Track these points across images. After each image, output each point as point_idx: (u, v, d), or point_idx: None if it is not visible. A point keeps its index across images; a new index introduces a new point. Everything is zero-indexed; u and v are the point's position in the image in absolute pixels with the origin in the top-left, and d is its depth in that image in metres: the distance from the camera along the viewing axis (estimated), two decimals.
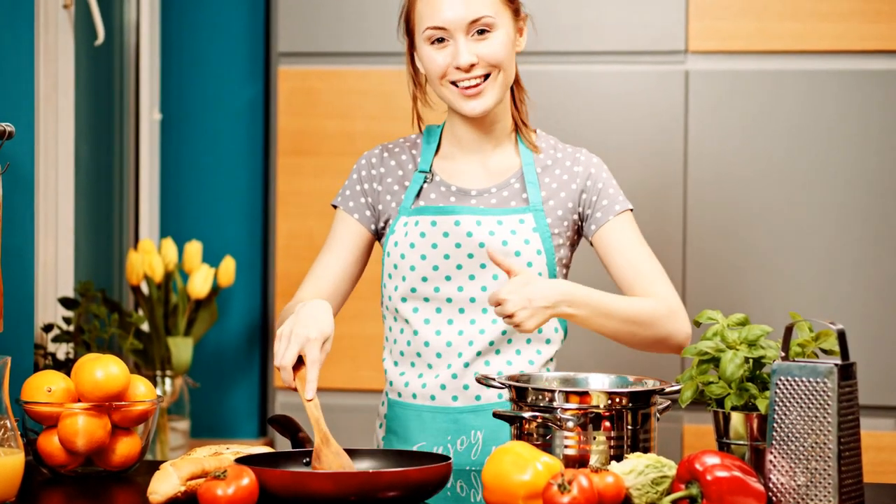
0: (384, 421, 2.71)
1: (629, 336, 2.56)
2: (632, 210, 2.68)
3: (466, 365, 2.61)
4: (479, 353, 2.62)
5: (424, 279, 2.62)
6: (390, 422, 2.68)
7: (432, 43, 2.61)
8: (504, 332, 2.61)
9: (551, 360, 2.67)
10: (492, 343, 2.61)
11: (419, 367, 2.65)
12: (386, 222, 2.70)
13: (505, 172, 2.68)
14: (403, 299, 2.65)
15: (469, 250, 2.61)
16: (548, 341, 2.65)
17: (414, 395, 2.65)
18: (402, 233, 2.64)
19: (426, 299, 2.63)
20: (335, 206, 2.74)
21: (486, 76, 2.59)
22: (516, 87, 2.72)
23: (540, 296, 2.43)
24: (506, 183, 2.66)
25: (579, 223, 2.68)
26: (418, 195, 2.67)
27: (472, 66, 2.58)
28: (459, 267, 2.61)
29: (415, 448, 2.63)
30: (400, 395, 2.66)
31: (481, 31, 2.58)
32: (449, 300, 2.62)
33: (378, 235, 2.73)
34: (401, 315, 2.65)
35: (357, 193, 2.72)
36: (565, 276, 2.68)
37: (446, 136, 2.73)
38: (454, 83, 2.60)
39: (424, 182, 2.68)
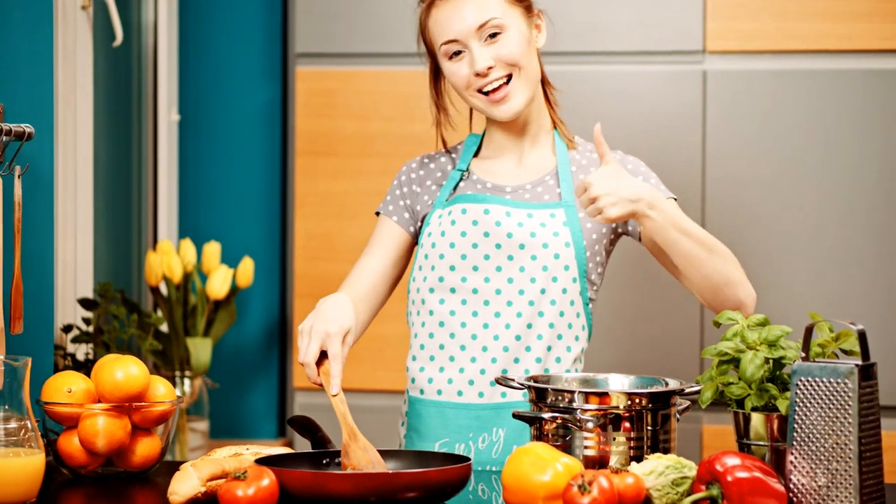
0: (406, 419, 2.71)
1: (699, 263, 2.51)
2: (676, 200, 2.66)
3: (494, 360, 2.61)
4: (506, 349, 2.61)
5: (452, 268, 2.63)
6: (412, 419, 2.69)
7: (450, 58, 2.65)
8: (530, 326, 2.61)
9: (578, 360, 2.66)
10: (518, 337, 2.61)
11: (440, 360, 2.65)
12: (422, 221, 2.71)
13: (540, 170, 2.70)
14: (431, 290, 2.66)
15: (497, 240, 2.61)
16: (576, 338, 2.64)
17: (439, 392, 2.65)
18: (435, 224, 2.67)
19: (452, 290, 2.64)
20: (378, 214, 2.76)
21: (509, 78, 2.61)
22: (546, 85, 2.74)
23: (627, 188, 2.42)
24: (541, 180, 2.68)
25: (618, 226, 2.68)
26: (454, 191, 2.69)
27: (490, 68, 2.61)
28: (487, 257, 2.62)
29: (437, 445, 2.63)
30: (423, 391, 2.67)
31: (493, 35, 2.61)
32: (475, 291, 2.63)
33: (417, 237, 2.74)
34: (426, 307, 2.66)
35: (396, 198, 2.76)
36: (601, 275, 2.68)
37: (486, 141, 2.77)
38: (481, 91, 2.62)
39: (461, 180, 2.70)
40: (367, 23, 4.00)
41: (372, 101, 4.00)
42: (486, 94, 2.63)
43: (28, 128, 2.56)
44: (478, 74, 2.61)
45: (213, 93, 4.28)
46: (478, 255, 2.63)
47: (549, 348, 2.62)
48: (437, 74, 2.74)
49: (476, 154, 2.76)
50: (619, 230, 2.69)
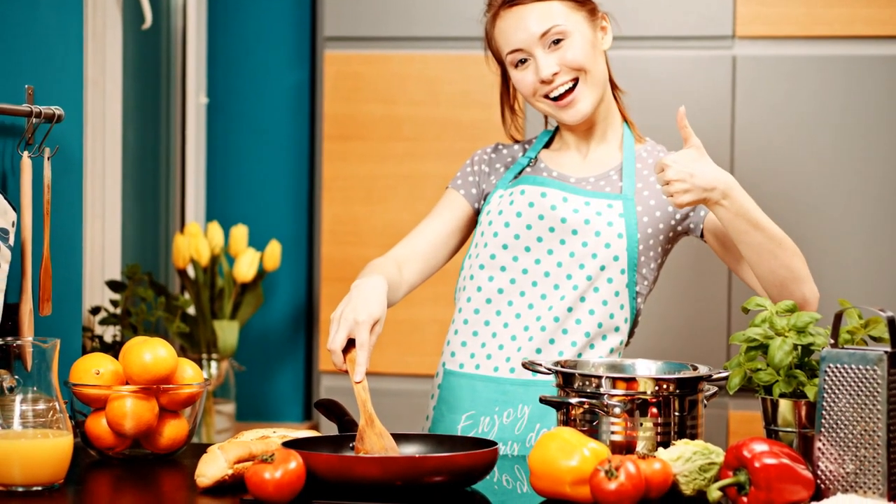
0: (437, 392, 2.72)
1: (768, 256, 2.49)
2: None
3: (531, 339, 2.62)
4: (543, 329, 2.62)
5: (505, 246, 2.65)
6: (443, 391, 2.70)
7: (516, 66, 2.67)
8: (570, 310, 2.62)
9: (617, 352, 2.66)
10: (557, 319, 2.62)
11: (483, 335, 2.66)
12: (485, 198, 2.74)
13: (606, 165, 2.71)
14: (481, 266, 2.68)
15: (551, 223, 2.62)
16: (616, 329, 2.64)
17: (477, 367, 2.66)
18: (495, 203, 2.71)
19: (503, 268, 2.65)
20: (447, 188, 2.81)
21: (575, 82, 2.62)
22: (614, 89, 2.75)
23: (703, 175, 2.41)
24: (605, 174, 2.69)
25: (678, 224, 2.67)
26: (519, 174, 2.71)
27: (555, 74, 2.64)
28: (540, 239, 2.63)
29: (463, 417, 2.64)
30: (462, 365, 2.68)
31: (557, 41, 2.63)
32: (525, 271, 2.64)
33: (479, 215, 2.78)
34: (474, 283, 2.68)
35: (466, 174, 2.80)
36: (655, 272, 2.68)
37: (556, 136, 2.80)
38: (548, 97, 2.65)
39: (528, 166, 2.72)
40: (395, 6, 3.99)
41: (400, 85, 4.00)
42: (554, 99, 2.65)
43: (58, 110, 2.57)
44: (543, 81, 2.63)
45: (242, 76, 4.29)
46: (531, 236, 2.64)
47: (587, 334, 2.62)
48: (506, 79, 2.78)
49: (547, 146, 2.79)
50: (680, 229, 2.68)
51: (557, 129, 2.80)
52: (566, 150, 2.76)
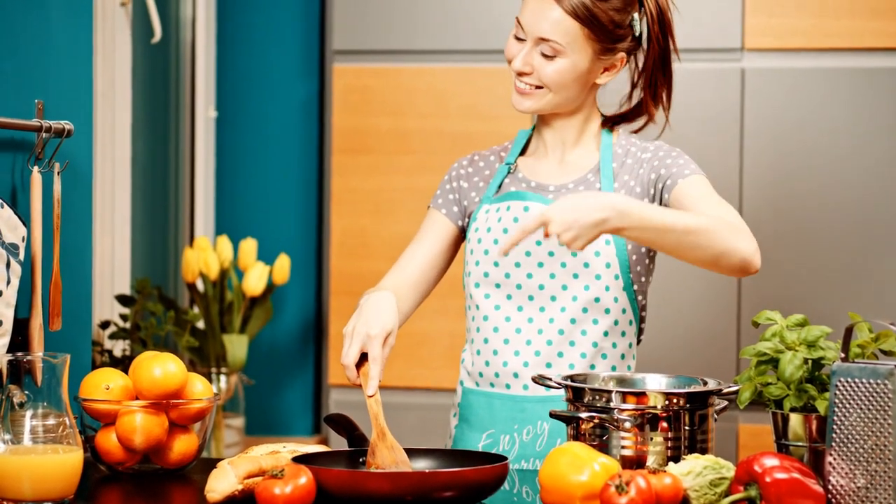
0: (458, 410, 2.72)
1: (688, 249, 2.42)
2: (705, 176, 2.62)
3: (538, 353, 2.61)
4: (549, 343, 2.61)
5: (496, 264, 2.64)
6: (463, 410, 2.70)
7: (514, 36, 2.63)
8: (574, 321, 2.61)
9: (630, 356, 2.65)
10: (562, 332, 2.61)
11: (485, 353, 2.66)
12: (469, 216, 2.73)
13: (582, 168, 2.69)
14: (476, 284, 2.66)
15: (537, 237, 2.61)
16: (623, 333, 2.63)
17: (492, 385, 2.66)
18: (482, 220, 2.68)
19: (497, 285, 2.65)
20: (429, 208, 2.79)
21: (539, 86, 2.61)
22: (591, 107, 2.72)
23: (586, 213, 2.33)
24: (583, 178, 2.67)
25: (656, 195, 2.65)
26: (500, 187, 2.70)
27: (523, 74, 2.61)
28: (528, 254, 2.62)
29: (483, 436, 2.64)
30: (478, 384, 2.68)
31: (545, 54, 2.59)
32: (519, 287, 2.63)
33: (465, 232, 2.76)
34: (473, 301, 2.67)
35: (446, 192, 2.78)
36: (648, 266, 2.66)
37: (534, 136, 2.77)
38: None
39: (508, 174, 2.70)
40: (403, 20, 4.00)
41: (408, 98, 4.00)
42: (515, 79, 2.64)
43: (67, 125, 2.57)
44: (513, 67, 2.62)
45: (251, 89, 4.29)
46: (519, 251, 2.63)
47: (594, 344, 2.61)
48: None
49: (524, 151, 2.76)
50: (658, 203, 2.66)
51: (534, 128, 2.77)
52: (543, 154, 2.72)
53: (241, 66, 4.30)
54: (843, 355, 2.06)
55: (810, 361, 2.17)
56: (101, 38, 3.56)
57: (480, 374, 2.67)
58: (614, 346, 2.63)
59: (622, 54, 2.63)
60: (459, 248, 2.78)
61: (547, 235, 2.34)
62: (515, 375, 2.63)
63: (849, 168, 3.77)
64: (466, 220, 2.75)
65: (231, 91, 4.30)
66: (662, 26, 2.64)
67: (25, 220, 2.46)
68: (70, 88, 2.70)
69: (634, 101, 2.72)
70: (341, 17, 4.03)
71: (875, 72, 3.76)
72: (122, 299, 3.53)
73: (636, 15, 2.62)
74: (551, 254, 2.62)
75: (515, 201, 2.65)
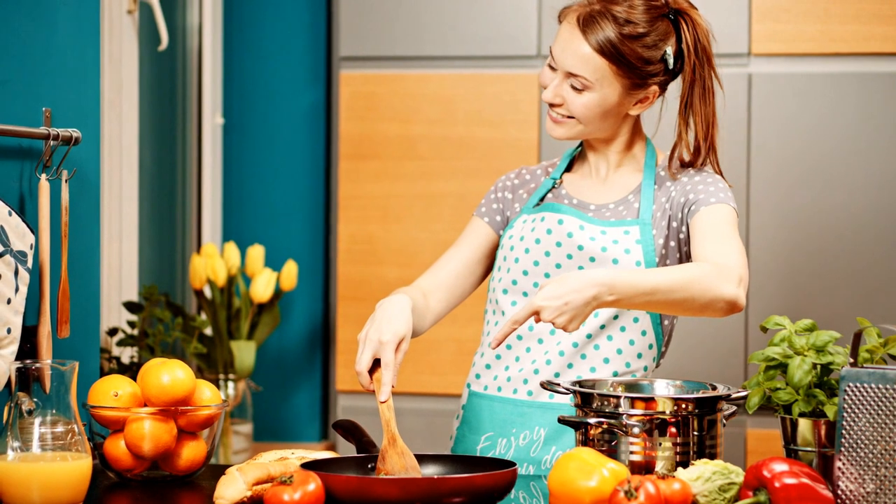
0: (461, 412, 2.73)
1: (678, 305, 2.41)
2: (735, 210, 2.59)
3: (549, 363, 2.62)
4: (561, 354, 2.61)
5: (525, 273, 2.64)
6: (466, 412, 2.71)
7: (548, 64, 2.64)
8: (589, 336, 2.61)
9: (635, 374, 2.65)
10: (575, 345, 2.61)
11: (507, 359, 2.66)
12: (507, 223, 2.74)
13: (624, 189, 2.69)
14: (504, 291, 2.67)
15: (568, 251, 2.62)
16: (639, 355, 2.63)
17: (499, 389, 2.67)
18: (518, 228, 2.70)
19: (525, 293, 2.65)
20: (473, 216, 2.81)
21: (571, 117, 2.61)
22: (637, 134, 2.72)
23: (575, 294, 2.33)
24: (623, 199, 2.67)
25: (685, 231, 2.65)
26: (542, 199, 2.70)
27: (554, 106, 2.63)
28: (558, 266, 2.63)
29: (482, 438, 2.64)
30: (487, 388, 2.68)
31: (575, 87, 2.59)
32: None
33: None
34: (499, 307, 2.68)
35: (491, 201, 2.80)
36: None
37: (579, 154, 2.78)
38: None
39: (552, 189, 2.71)
40: (410, 26, 4.00)
41: (415, 104, 4.00)
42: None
43: (75, 132, 2.57)
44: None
45: (258, 96, 4.29)
46: (550, 262, 2.63)
47: (606, 360, 2.61)
48: None
49: (569, 168, 2.77)
50: (682, 236, 2.65)
51: (581, 147, 2.78)
52: (587, 174, 2.74)
53: (248, 73, 4.30)
54: (851, 360, 2.06)
55: (819, 366, 2.17)
56: (108, 46, 3.57)
57: (495, 378, 2.67)
58: (627, 365, 2.62)
59: (655, 87, 2.63)
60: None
61: (538, 321, 2.34)
62: (525, 381, 2.64)
63: (856, 172, 3.77)
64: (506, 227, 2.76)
65: (238, 98, 4.30)
66: (700, 57, 2.62)
67: (33, 228, 2.46)
68: (77, 96, 2.71)
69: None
70: (348, 23, 4.04)
71: (882, 76, 3.76)
72: (130, 306, 3.53)
73: (669, 49, 2.60)
74: (581, 268, 2.61)
75: (550, 213, 2.66)
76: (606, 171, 2.72)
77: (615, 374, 2.61)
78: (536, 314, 2.34)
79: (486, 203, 2.80)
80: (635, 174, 2.70)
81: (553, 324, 2.34)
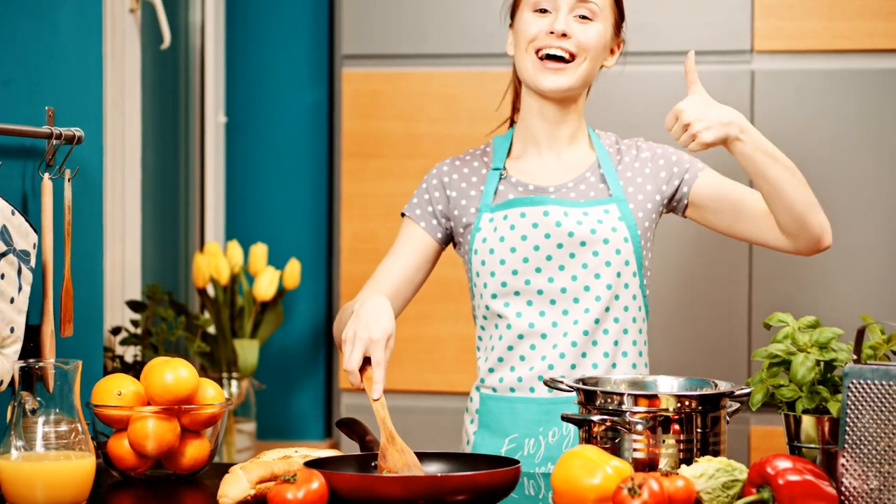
0: (476, 416, 2.72)
1: (786, 187, 2.52)
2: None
3: (563, 356, 2.62)
4: (574, 344, 2.62)
5: (514, 272, 2.64)
6: (483, 416, 2.69)
7: (535, 11, 2.65)
8: (597, 321, 2.62)
9: (642, 353, 2.66)
10: (586, 332, 2.61)
11: (510, 360, 2.66)
12: (466, 227, 2.71)
13: (580, 167, 2.69)
14: (494, 295, 2.66)
15: (558, 240, 2.62)
16: (640, 331, 2.67)
17: (511, 389, 2.66)
18: (489, 229, 2.66)
19: (516, 293, 2.64)
20: (403, 215, 2.75)
21: (573, 58, 2.61)
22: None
23: (718, 113, 2.45)
24: (581, 177, 2.68)
25: (665, 201, 2.69)
26: (495, 194, 2.69)
27: (566, 35, 2.62)
28: (549, 258, 2.62)
29: (506, 440, 2.64)
30: (495, 390, 2.67)
31: (585, 16, 2.63)
32: (540, 292, 2.63)
33: (448, 242, 2.75)
34: (492, 312, 2.67)
35: (425, 202, 2.75)
36: (650, 259, 2.69)
37: (518, 137, 2.75)
38: (538, 53, 2.63)
39: (500, 181, 2.70)
40: (412, 24, 4.00)
41: (418, 103, 4.00)
42: (545, 58, 2.63)
43: (78, 132, 2.57)
44: (552, 33, 2.61)
45: (260, 95, 4.29)
46: (539, 256, 2.63)
47: (615, 343, 2.62)
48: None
49: (508, 154, 2.75)
50: (664, 210, 2.69)
51: (513, 133, 2.77)
52: (535, 155, 2.73)
53: (251, 71, 4.30)
54: (855, 357, 2.06)
55: (822, 363, 2.17)
56: (110, 45, 3.57)
57: (501, 380, 2.67)
58: (634, 343, 2.64)
59: (621, 38, 2.71)
60: (438, 260, 2.77)
61: (686, 127, 2.43)
62: (540, 378, 2.63)
63: (858, 169, 3.77)
64: (461, 230, 2.72)
65: (240, 96, 4.30)
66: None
67: (36, 227, 2.46)
68: (80, 95, 2.71)
69: None
70: (350, 21, 4.04)
71: (884, 73, 3.76)
72: (133, 305, 3.53)
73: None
74: (573, 255, 2.62)
75: (530, 207, 2.65)
76: (559, 149, 2.72)
77: (625, 355, 2.62)
78: (678, 115, 2.45)
79: (419, 204, 2.76)
80: (588, 152, 2.72)
81: (689, 128, 2.43)
